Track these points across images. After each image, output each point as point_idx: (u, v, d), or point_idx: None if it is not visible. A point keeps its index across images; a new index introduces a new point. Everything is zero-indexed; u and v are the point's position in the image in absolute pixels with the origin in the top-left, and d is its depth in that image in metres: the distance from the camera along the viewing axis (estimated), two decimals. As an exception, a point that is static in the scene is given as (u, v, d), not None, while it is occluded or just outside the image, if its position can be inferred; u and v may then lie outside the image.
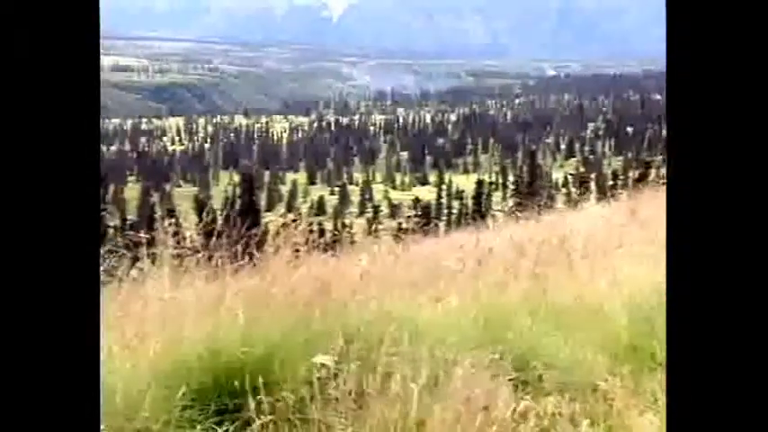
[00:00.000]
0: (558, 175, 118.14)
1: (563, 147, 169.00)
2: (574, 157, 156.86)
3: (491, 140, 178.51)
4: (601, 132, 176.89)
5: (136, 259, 5.82)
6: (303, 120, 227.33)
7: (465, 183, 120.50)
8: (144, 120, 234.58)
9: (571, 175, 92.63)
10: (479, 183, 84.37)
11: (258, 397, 3.78)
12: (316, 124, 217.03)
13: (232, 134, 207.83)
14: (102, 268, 5.64)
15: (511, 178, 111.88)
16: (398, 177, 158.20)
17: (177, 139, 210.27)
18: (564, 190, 77.02)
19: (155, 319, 4.47)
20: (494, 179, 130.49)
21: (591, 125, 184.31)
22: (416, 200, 74.11)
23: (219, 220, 5.57)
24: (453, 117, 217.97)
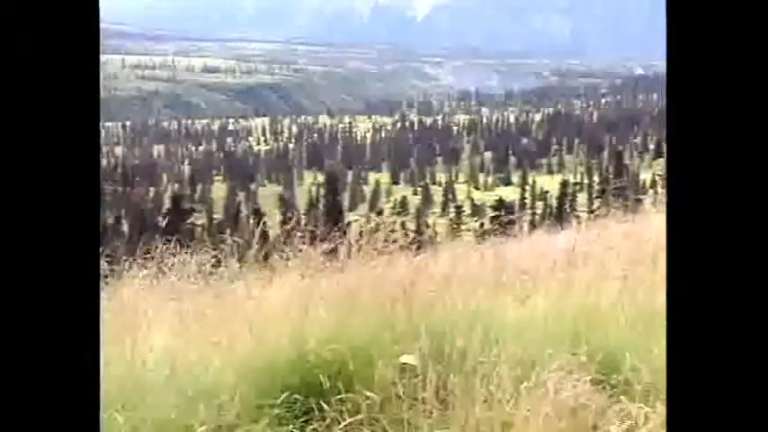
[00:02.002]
0: (645, 176, 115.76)
1: (651, 147, 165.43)
2: (662, 157, 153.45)
3: (576, 140, 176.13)
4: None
5: (223, 257, 5.91)
6: (386, 120, 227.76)
7: (549, 183, 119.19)
8: (231, 120, 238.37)
9: (659, 175, 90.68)
10: (564, 183, 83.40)
11: (344, 396, 3.79)
12: (399, 124, 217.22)
13: (316, 134, 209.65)
14: (190, 268, 5.75)
15: (597, 179, 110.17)
16: (481, 177, 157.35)
17: (262, 139, 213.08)
18: (652, 191, 75.51)
19: (242, 318, 4.52)
20: (579, 180, 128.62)
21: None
22: (500, 200, 73.54)
23: (303, 220, 5.62)
24: (538, 117, 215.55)
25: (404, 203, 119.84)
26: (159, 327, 4.60)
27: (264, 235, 6.00)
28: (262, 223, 6.06)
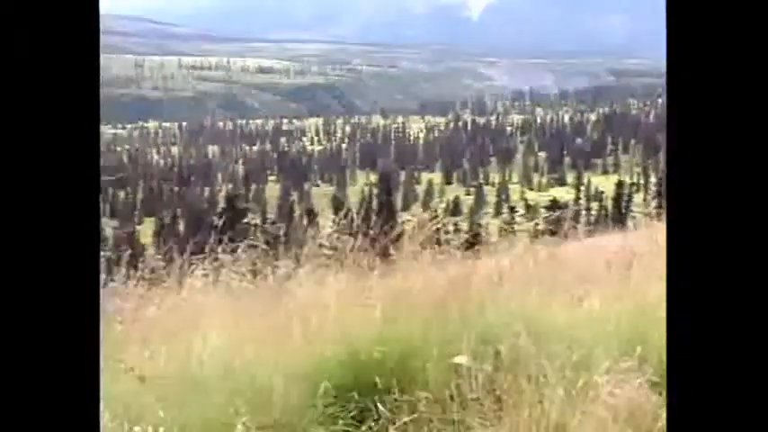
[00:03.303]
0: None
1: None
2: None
3: (632, 141, 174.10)
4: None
5: (276, 257, 5.94)
6: (440, 120, 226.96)
7: (605, 183, 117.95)
8: (284, 120, 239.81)
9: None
10: (620, 183, 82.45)
11: (398, 396, 3.79)
12: (452, 124, 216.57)
13: (369, 134, 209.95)
14: (244, 267, 5.79)
15: (653, 179, 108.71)
16: (535, 178, 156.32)
17: (316, 138, 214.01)
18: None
19: (295, 316, 4.55)
20: (635, 180, 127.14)
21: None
22: (554, 200, 72.91)
23: (356, 220, 5.62)
24: (593, 117, 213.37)
25: (457, 204, 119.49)
26: (213, 325, 4.65)
27: (317, 234, 6.02)
28: (314, 223, 6.09)
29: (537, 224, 8.22)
